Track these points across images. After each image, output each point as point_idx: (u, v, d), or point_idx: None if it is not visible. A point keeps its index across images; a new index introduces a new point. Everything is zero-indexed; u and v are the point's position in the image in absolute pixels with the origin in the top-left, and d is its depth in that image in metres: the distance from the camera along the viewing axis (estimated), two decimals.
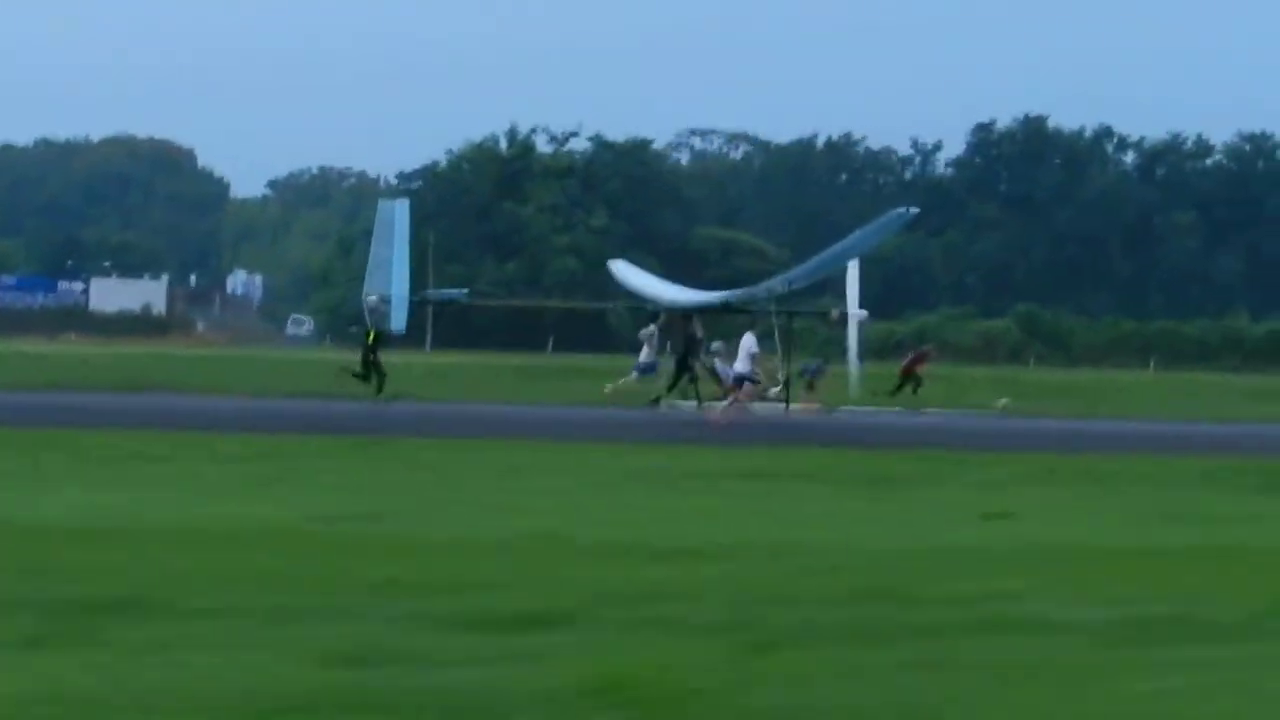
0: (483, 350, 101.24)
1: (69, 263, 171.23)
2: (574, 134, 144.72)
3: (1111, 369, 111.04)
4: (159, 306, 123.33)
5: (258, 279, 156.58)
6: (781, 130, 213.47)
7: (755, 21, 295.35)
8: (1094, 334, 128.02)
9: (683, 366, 42.53)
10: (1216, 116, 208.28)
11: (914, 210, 37.81)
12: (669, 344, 43.38)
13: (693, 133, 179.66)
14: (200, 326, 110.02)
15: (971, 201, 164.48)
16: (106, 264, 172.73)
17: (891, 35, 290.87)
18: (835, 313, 46.72)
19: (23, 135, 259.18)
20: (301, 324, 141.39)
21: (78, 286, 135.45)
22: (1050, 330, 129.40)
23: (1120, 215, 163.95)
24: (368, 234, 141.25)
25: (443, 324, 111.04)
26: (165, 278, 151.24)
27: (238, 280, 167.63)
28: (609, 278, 54.84)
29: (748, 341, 39.44)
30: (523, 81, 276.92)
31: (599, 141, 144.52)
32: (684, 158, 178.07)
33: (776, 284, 42.41)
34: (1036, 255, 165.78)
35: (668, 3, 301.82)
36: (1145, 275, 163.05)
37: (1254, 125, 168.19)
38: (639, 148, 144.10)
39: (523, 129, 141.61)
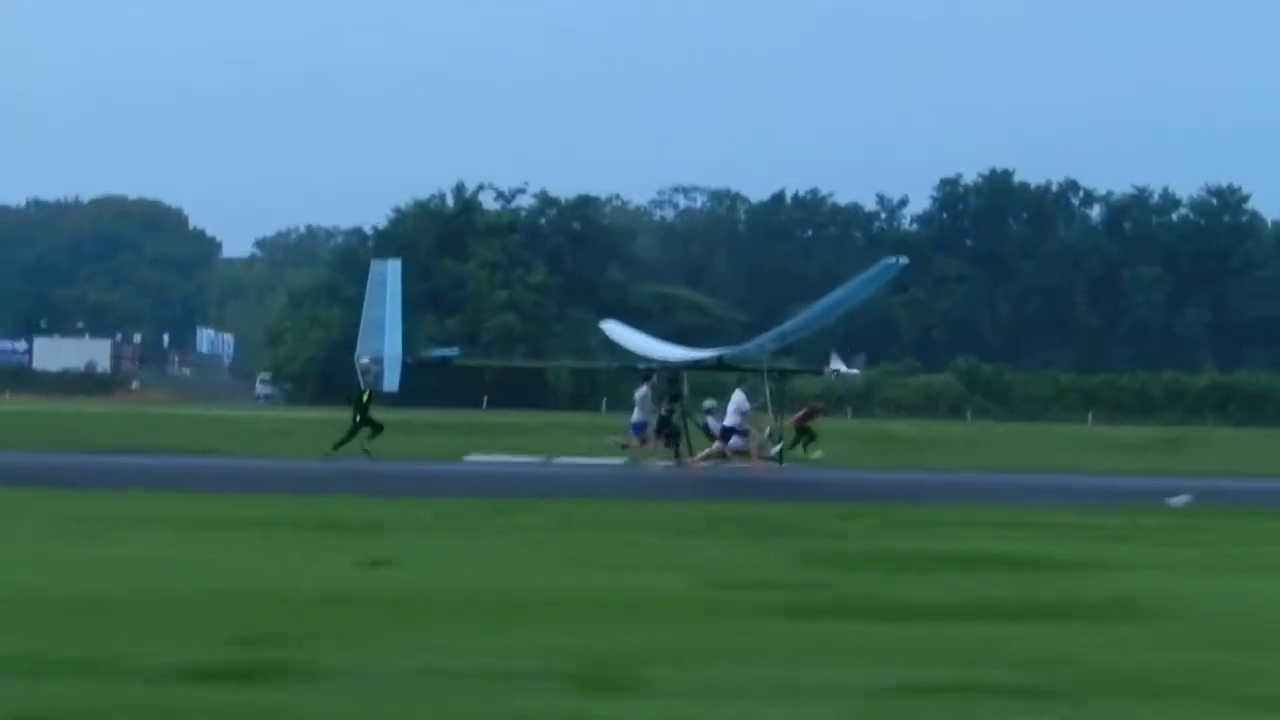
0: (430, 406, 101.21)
1: (42, 322, 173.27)
2: (520, 190, 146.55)
3: (1052, 422, 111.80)
4: (104, 365, 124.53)
5: (228, 337, 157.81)
6: (753, 186, 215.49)
7: (727, 77, 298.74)
8: (1036, 387, 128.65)
9: (666, 424, 42.64)
10: (1183, 170, 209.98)
11: (904, 260, 37.91)
12: (662, 402, 43.13)
13: (676, 189, 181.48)
14: (135, 385, 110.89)
15: (936, 256, 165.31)
16: (79, 324, 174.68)
17: (857, 91, 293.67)
18: (828, 370, 47.02)
19: (14, 196, 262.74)
20: (267, 383, 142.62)
21: (20, 346, 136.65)
22: (991, 384, 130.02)
23: (1085, 269, 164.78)
24: (317, 290, 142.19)
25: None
26: (117, 336, 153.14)
27: (205, 339, 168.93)
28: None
29: (739, 398, 40.59)
30: (494, 135, 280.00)
31: (543, 198, 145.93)
32: (669, 214, 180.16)
33: (767, 340, 42.78)
34: (1001, 309, 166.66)
35: (643, 65, 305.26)
36: (1109, 329, 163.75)
37: (1221, 179, 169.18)
38: (583, 204, 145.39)
39: (470, 186, 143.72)
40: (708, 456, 41.53)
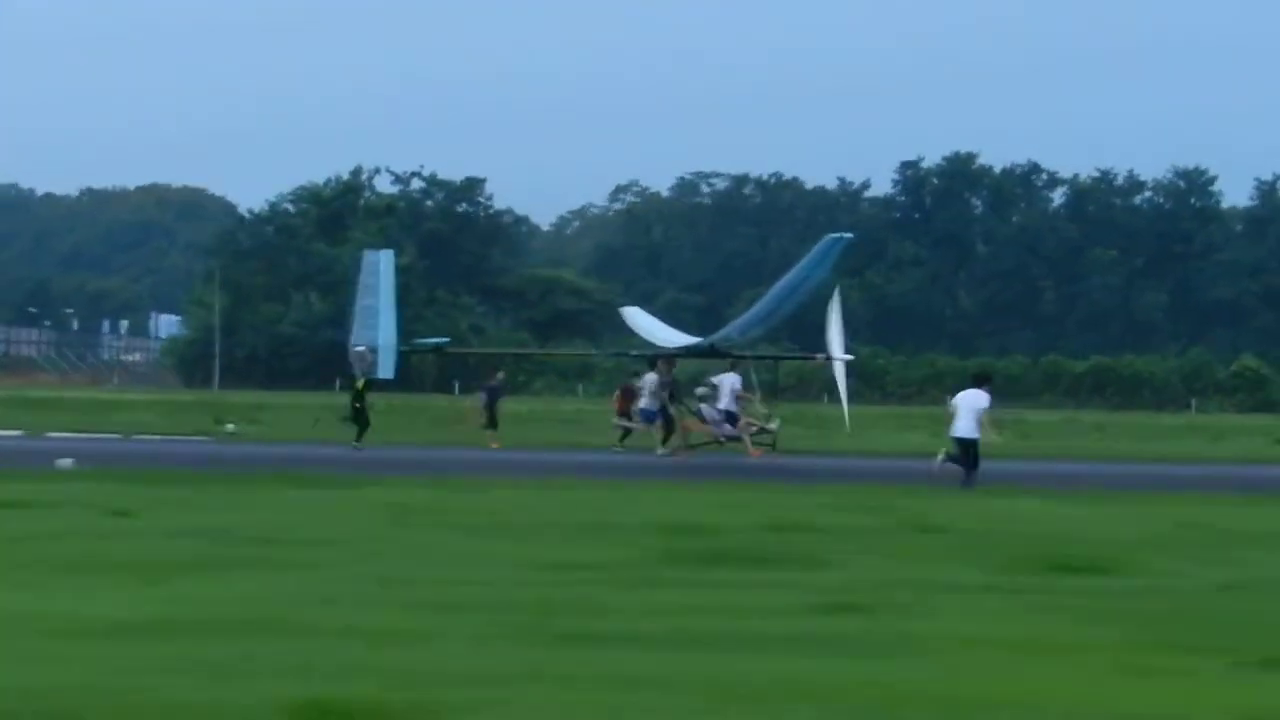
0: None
1: (31, 310, 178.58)
2: (415, 174, 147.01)
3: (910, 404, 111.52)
4: None
5: (175, 319, 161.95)
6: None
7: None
8: (910, 371, 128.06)
9: (663, 412, 41.91)
10: (1148, 153, 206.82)
11: (847, 236, 38.09)
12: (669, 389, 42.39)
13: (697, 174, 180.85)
14: None
15: (893, 240, 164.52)
16: (68, 310, 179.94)
17: (824, 77, 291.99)
18: (820, 356, 46.06)
19: (68, 186, 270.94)
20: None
21: None
22: (865, 367, 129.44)
23: (1043, 252, 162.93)
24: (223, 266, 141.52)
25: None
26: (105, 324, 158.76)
27: (162, 323, 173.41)
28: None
29: (731, 380, 40.77)
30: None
31: (431, 181, 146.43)
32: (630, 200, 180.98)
33: (732, 330, 42.95)
34: (958, 293, 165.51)
35: (624, 60, 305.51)
36: (1068, 313, 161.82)
37: (1188, 162, 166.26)
38: (468, 187, 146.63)
39: (368, 168, 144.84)
40: (703, 443, 41.24)
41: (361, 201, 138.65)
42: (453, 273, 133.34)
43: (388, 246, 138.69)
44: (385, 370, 43.43)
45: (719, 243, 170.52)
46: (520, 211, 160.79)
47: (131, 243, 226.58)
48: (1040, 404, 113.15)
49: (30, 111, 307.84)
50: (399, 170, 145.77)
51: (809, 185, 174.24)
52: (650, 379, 42.52)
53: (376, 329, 44.08)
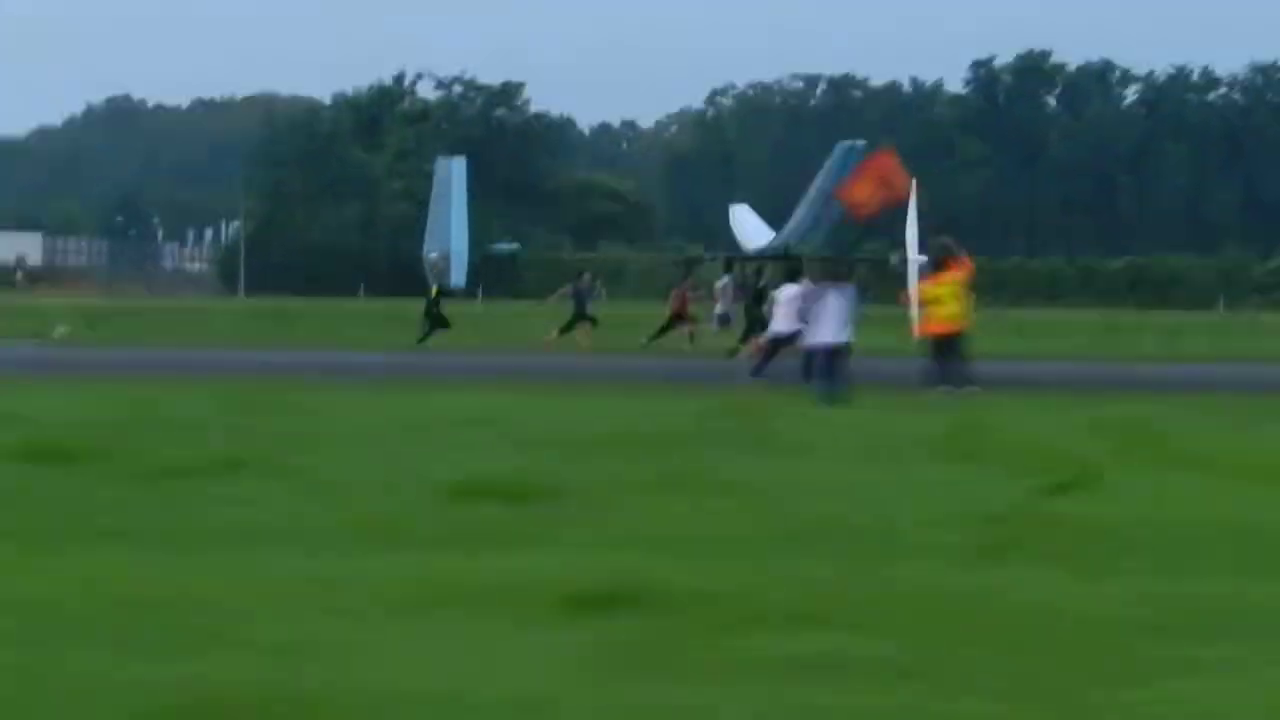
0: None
1: (118, 219, 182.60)
2: (457, 79, 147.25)
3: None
4: (34, 258, 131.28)
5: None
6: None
7: None
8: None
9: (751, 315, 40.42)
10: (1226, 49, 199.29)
11: (860, 143, 39.12)
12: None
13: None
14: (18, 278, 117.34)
15: (961, 139, 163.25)
16: (155, 220, 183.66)
17: None
18: (895, 258, 44.79)
19: (180, 96, 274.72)
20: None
21: None
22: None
23: (1112, 150, 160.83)
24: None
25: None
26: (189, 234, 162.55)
27: (233, 231, 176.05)
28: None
29: (796, 290, 39.36)
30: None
31: (470, 85, 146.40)
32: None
33: (778, 242, 42.89)
34: (1025, 193, 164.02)
35: None
36: (1138, 211, 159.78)
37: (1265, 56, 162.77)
38: (509, 92, 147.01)
39: (410, 74, 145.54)
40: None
41: (399, 108, 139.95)
42: (488, 177, 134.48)
43: (420, 154, 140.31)
44: (458, 278, 44.80)
45: (791, 145, 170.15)
46: (564, 114, 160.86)
47: (234, 153, 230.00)
48: (1069, 304, 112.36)
49: (142, 22, 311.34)
50: (442, 75, 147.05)
51: (880, 84, 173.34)
52: (723, 282, 42.48)
53: (449, 236, 44.94)
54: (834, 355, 25.16)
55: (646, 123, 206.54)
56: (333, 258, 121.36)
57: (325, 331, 51.26)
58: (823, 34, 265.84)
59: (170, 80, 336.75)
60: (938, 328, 26.57)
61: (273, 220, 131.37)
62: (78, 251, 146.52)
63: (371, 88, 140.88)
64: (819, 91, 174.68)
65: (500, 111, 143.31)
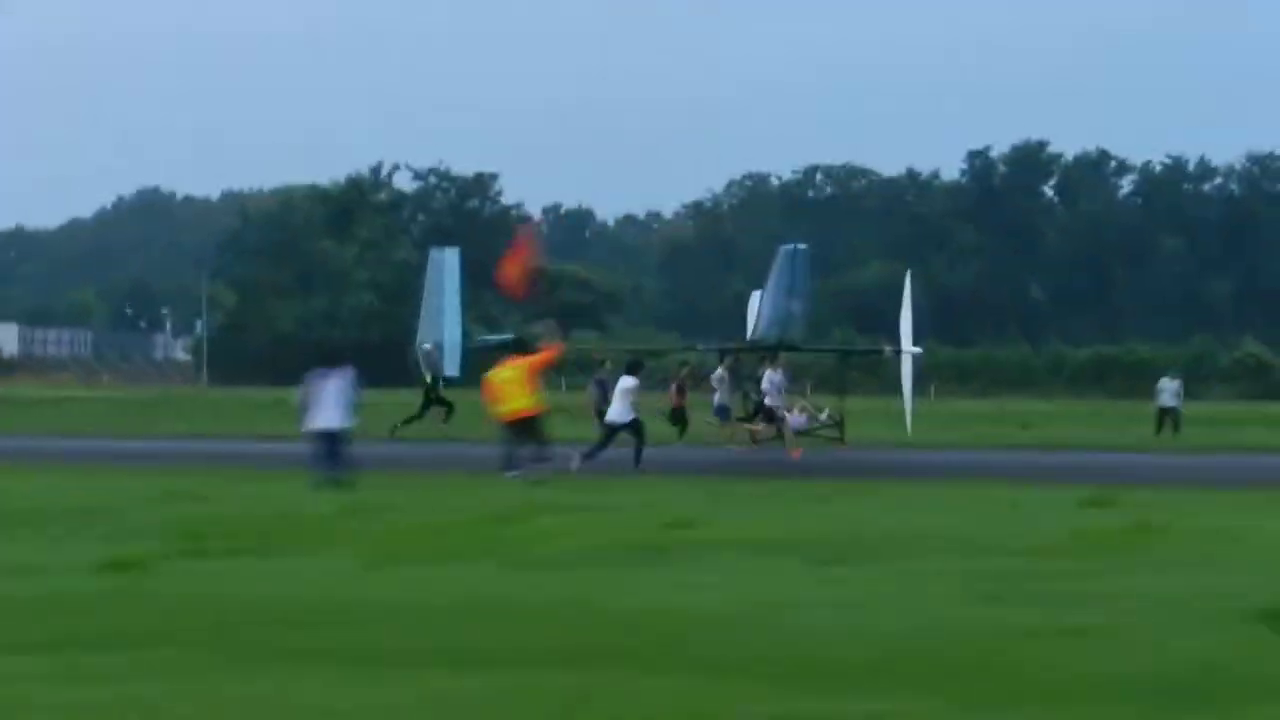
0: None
1: (126, 310, 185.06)
2: (433, 170, 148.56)
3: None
4: (10, 348, 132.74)
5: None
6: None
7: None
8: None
9: (759, 407, 40.87)
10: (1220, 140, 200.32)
11: (801, 246, 38.24)
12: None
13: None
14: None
15: (956, 228, 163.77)
16: (164, 310, 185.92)
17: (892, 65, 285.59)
18: (889, 350, 45.12)
19: (210, 188, 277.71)
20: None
21: None
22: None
23: (1108, 240, 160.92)
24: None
25: None
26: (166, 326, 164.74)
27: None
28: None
29: (776, 378, 39.77)
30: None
31: (443, 176, 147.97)
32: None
33: (759, 336, 42.35)
34: (1020, 282, 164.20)
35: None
36: (1134, 301, 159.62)
37: (1261, 146, 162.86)
38: (482, 183, 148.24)
39: (387, 166, 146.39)
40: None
41: (372, 198, 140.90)
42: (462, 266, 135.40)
43: (386, 244, 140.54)
44: (451, 367, 44.16)
45: (788, 234, 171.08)
46: (527, 207, 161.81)
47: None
48: (1034, 394, 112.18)
49: (173, 113, 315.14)
50: (418, 166, 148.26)
51: (880, 175, 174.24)
52: (718, 374, 42.09)
53: (443, 327, 44.81)
54: (334, 440, 25.59)
55: (603, 215, 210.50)
56: (299, 348, 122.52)
57: (201, 421, 53.17)
58: (816, 127, 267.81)
59: (202, 172, 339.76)
60: (513, 412, 27.11)
61: (243, 311, 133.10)
62: (57, 342, 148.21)
63: (349, 179, 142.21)
64: (817, 180, 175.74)
65: (472, 202, 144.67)
